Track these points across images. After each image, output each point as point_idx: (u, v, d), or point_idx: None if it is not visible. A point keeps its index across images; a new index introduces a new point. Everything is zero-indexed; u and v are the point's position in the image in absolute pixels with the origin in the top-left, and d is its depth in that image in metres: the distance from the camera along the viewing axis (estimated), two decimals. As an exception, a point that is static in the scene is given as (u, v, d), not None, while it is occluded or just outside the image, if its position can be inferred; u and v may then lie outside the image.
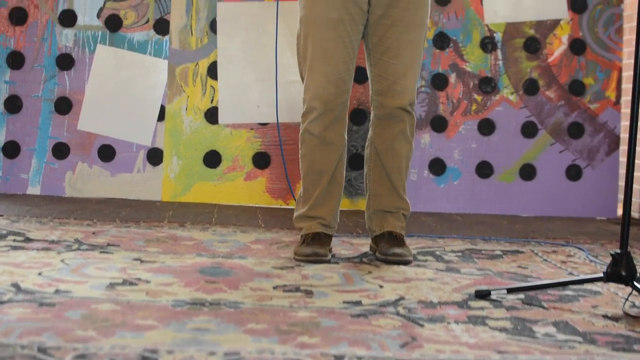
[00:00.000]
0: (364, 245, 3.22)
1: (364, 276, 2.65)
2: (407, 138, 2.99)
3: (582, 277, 2.55)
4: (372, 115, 3.02)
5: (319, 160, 2.94)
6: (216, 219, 3.78)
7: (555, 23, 4.50)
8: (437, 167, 4.45)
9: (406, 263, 2.89)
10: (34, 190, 4.37)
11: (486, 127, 4.46)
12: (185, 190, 4.38)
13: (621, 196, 4.62)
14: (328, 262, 2.86)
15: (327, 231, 2.96)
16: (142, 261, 2.72)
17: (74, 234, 3.17)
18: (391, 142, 2.97)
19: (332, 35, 2.87)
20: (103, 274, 2.49)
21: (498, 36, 4.48)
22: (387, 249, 2.91)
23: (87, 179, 4.39)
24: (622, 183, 4.64)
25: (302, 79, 2.96)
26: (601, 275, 2.38)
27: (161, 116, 4.40)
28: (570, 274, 2.86)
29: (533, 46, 4.48)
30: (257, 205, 4.37)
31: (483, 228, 3.90)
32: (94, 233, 3.20)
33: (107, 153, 4.39)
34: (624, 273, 2.33)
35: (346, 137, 2.99)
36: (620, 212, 4.56)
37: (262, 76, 4.38)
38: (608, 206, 4.49)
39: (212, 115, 4.39)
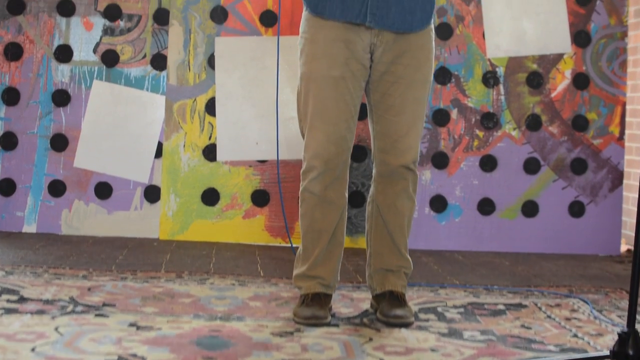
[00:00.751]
0: (365, 300, 3.16)
1: (365, 345, 2.59)
2: (410, 196, 2.93)
3: (587, 354, 2.49)
4: (374, 172, 2.96)
5: (319, 219, 2.88)
6: (214, 265, 3.72)
7: (559, 57, 4.44)
8: (438, 204, 4.39)
9: (407, 325, 2.83)
10: (29, 228, 4.31)
11: (488, 163, 4.40)
12: (183, 229, 4.32)
13: (625, 231, 4.57)
14: (328, 324, 2.81)
15: (327, 291, 2.90)
16: (138, 327, 2.66)
17: (69, 290, 3.11)
18: (393, 200, 2.92)
19: (333, 94, 2.81)
20: (97, 348, 2.43)
21: (500, 71, 4.42)
22: (388, 310, 2.86)
23: (83, 217, 4.33)
24: (625, 218, 4.58)
25: (303, 135, 2.90)
26: (607, 352, 2.33)
27: (158, 153, 4.34)
28: (575, 335, 2.80)
29: (536, 81, 4.42)
30: (255, 244, 4.32)
31: (485, 272, 3.85)
32: (89, 289, 3.14)
33: (103, 190, 4.33)
34: (631, 352, 2.27)
35: (347, 196, 2.93)
36: (623, 248, 4.51)
37: (261, 112, 4.32)
38: (611, 243, 4.43)
39: (210, 152, 4.33)
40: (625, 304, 3.28)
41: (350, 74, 2.81)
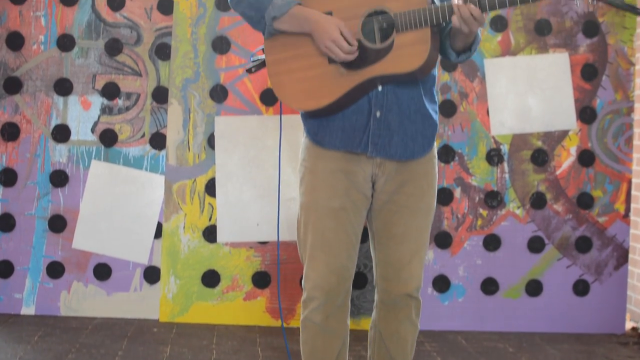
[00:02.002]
0: (367, 420, 3.11)
1: None
2: (413, 322, 2.88)
3: None
4: (376, 297, 2.91)
5: (320, 349, 2.83)
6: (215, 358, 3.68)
7: (564, 134, 4.37)
8: (441, 284, 4.34)
9: None
10: (28, 310, 4.27)
11: (492, 242, 4.34)
12: (183, 311, 4.27)
13: (630, 306, 4.52)
14: None
15: (329, 420, 2.86)
16: None
17: (68, 411, 3.06)
18: (396, 327, 2.86)
19: (334, 225, 2.75)
20: None
21: (504, 148, 4.35)
22: None
23: (82, 299, 4.28)
24: (630, 293, 4.53)
25: (303, 262, 2.85)
26: None
27: (158, 233, 4.29)
28: None
29: (541, 158, 4.35)
30: (257, 326, 4.27)
31: (489, 364, 3.81)
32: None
33: (102, 272, 4.28)
34: None
35: (349, 323, 2.88)
36: (628, 325, 4.46)
37: (262, 193, 4.26)
38: (615, 321, 4.38)
39: (210, 234, 4.28)
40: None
41: (351, 204, 2.75)
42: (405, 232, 2.79)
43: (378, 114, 2.69)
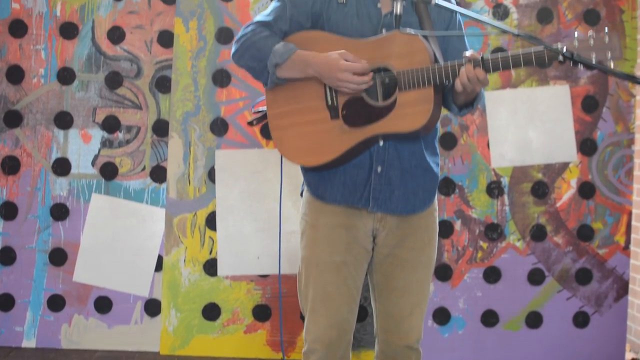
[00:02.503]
0: None
1: None
2: (413, 373, 2.89)
3: None
4: (376, 348, 2.91)
5: (321, 399, 2.84)
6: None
7: (564, 166, 4.37)
8: (442, 316, 4.34)
9: None
10: (29, 343, 4.27)
11: (492, 275, 4.34)
12: (184, 344, 4.28)
13: (629, 337, 4.53)
14: None
15: None
16: None
17: None
18: (397, 379, 2.87)
19: (335, 279, 2.75)
20: None
21: (505, 181, 4.35)
22: None
23: (83, 331, 4.29)
24: (630, 324, 4.54)
25: (304, 314, 2.85)
26: None
27: (159, 266, 4.29)
28: None
29: (541, 190, 4.35)
30: (257, 359, 4.27)
31: (489, 401, 3.81)
32: None
33: (103, 305, 4.28)
34: None
35: (350, 374, 2.89)
36: (627, 356, 4.47)
37: (263, 227, 4.26)
38: (615, 353, 4.39)
39: (211, 267, 4.28)
40: None
41: (352, 259, 2.76)
42: (406, 286, 2.80)
43: (379, 169, 2.69)
